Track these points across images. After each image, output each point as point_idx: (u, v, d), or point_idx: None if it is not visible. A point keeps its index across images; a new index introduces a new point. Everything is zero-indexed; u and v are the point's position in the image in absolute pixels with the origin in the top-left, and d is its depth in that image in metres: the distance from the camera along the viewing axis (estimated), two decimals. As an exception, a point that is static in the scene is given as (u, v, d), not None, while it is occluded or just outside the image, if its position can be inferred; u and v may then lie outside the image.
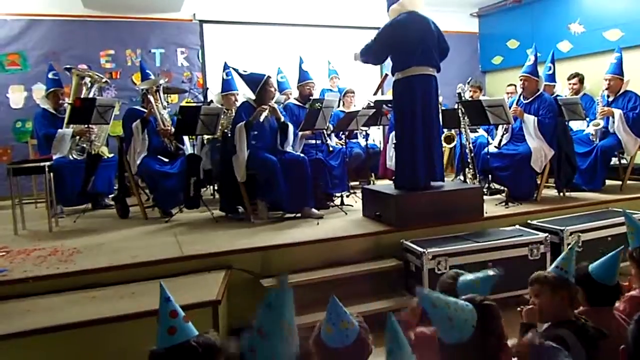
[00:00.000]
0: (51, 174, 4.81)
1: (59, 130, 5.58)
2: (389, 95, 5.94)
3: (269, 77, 4.98)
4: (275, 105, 5.06)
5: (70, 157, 5.62)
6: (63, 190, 5.29)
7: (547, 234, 4.11)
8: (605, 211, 4.91)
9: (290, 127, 5.11)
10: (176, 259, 3.65)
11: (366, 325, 1.62)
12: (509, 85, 7.86)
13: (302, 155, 5.05)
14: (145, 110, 5.26)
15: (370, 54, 4.61)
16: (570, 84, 6.62)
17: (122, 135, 5.33)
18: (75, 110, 5.20)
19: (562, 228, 4.23)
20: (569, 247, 2.16)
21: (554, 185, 5.54)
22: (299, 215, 4.86)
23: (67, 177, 5.35)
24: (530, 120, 5.28)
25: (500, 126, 5.56)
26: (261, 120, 4.86)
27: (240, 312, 3.41)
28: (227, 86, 6.00)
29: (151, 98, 5.21)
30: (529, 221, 4.56)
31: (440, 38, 4.51)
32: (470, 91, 7.07)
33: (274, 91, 5.16)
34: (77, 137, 5.67)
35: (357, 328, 1.56)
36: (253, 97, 5.02)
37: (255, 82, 4.92)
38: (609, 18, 7.35)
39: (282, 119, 5.04)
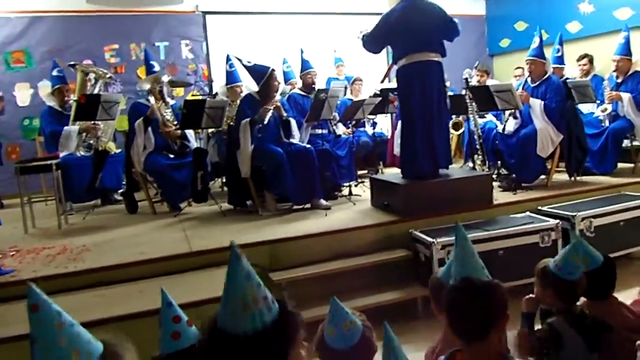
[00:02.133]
0: (59, 171, 4.83)
1: (65, 127, 5.58)
2: (395, 83, 5.88)
3: (273, 70, 4.91)
4: (279, 102, 4.98)
5: (78, 153, 5.62)
6: (71, 187, 5.30)
7: (558, 221, 4.05)
8: (617, 195, 4.83)
9: (293, 122, 5.04)
10: (185, 254, 3.65)
11: (369, 324, 1.59)
12: (516, 68, 7.72)
13: (308, 146, 5.00)
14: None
15: (369, 41, 4.54)
16: (580, 65, 6.49)
17: (128, 130, 5.32)
18: (81, 107, 5.18)
19: (574, 214, 4.16)
20: (571, 244, 2.08)
21: (565, 169, 5.46)
22: (307, 206, 4.83)
23: (75, 174, 5.36)
24: (536, 104, 5.17)
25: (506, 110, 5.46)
26: (265, 122, 4.78)
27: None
28: (231, 78, 5.98)
29: (152, 99, 5.13)
30: (539, 207, 4.50)
31: (447, 24, 4.38)
32: (477, 75, 6.95)
33: (278, 84, 5.10)
34: (84, 134, 5.67)
35: (360, 327, 1.53)
36: (256, 89, 4.98)
37: (260, 74, 4.87)
38: (619, -4, 7.18)
39: (285, 115, 4.97)
